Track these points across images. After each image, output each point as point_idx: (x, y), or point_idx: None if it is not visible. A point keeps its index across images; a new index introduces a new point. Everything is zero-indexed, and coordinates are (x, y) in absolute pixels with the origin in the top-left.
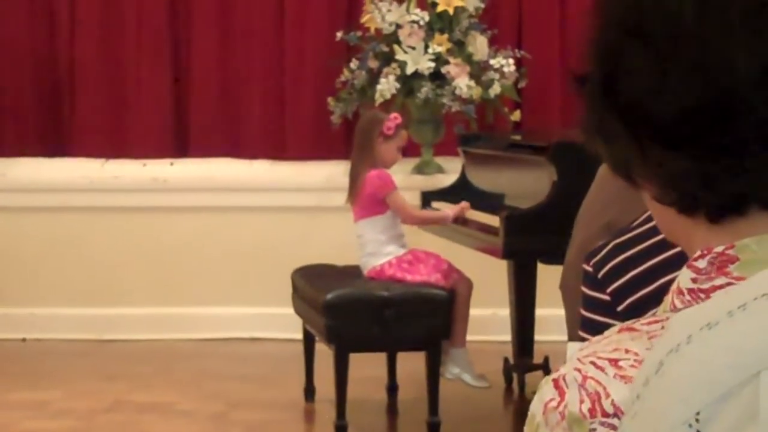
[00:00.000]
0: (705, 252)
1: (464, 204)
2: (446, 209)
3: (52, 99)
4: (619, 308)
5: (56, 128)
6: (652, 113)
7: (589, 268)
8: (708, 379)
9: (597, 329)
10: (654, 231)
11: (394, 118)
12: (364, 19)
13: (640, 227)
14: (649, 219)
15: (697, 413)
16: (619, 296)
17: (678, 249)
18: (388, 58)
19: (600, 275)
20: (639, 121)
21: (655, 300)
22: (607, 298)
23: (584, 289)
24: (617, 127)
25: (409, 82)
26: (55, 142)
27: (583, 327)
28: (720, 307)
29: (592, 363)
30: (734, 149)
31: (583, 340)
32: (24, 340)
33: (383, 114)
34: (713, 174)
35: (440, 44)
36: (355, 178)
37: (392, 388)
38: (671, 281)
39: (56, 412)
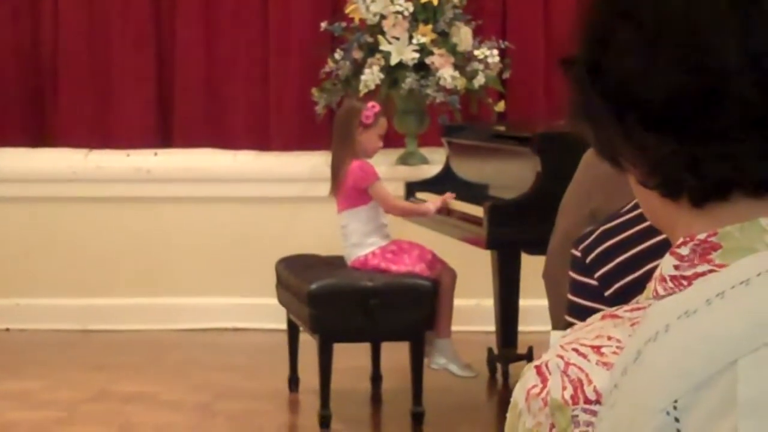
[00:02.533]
0: (688, 239)
1: (447, 195)
2: (429, 203)
3: (35, 89)
4: (607, 293)
5: (40, 118)
6: (640, 96)
7: (578, 254)
8: (686, 367)
9: (584, 314)
10: (642, 217)
11: (372, 107)
12: (349, 9)
13: (628, 213)
14: (638, 205)
15: (675, 401)
16: (606, 281)
17: (665, 235)
18: (372, 49)
19: (588, 260)
20: (626, 103)
21: (642, 285)
22: (595, 283)
23: (572, 274)
24: (604, 109)
25: (393, 73)
26: (38, 132)
27: (571, 312)
28: (698, 296)
29: (575, 350)
30: (720, 134)
31: (570, 324)
32: (8, 330)
33: (361, 103)
34: (698, 158)
35: (424, 35)
36: (336, 169)
37: (376, 378)
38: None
39: (40, 402)
